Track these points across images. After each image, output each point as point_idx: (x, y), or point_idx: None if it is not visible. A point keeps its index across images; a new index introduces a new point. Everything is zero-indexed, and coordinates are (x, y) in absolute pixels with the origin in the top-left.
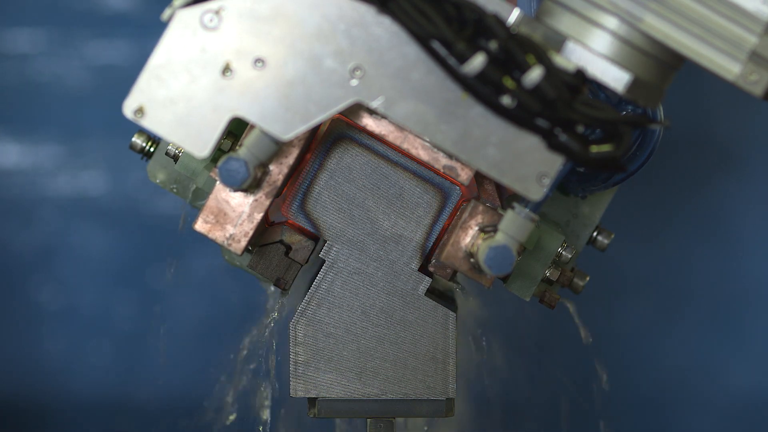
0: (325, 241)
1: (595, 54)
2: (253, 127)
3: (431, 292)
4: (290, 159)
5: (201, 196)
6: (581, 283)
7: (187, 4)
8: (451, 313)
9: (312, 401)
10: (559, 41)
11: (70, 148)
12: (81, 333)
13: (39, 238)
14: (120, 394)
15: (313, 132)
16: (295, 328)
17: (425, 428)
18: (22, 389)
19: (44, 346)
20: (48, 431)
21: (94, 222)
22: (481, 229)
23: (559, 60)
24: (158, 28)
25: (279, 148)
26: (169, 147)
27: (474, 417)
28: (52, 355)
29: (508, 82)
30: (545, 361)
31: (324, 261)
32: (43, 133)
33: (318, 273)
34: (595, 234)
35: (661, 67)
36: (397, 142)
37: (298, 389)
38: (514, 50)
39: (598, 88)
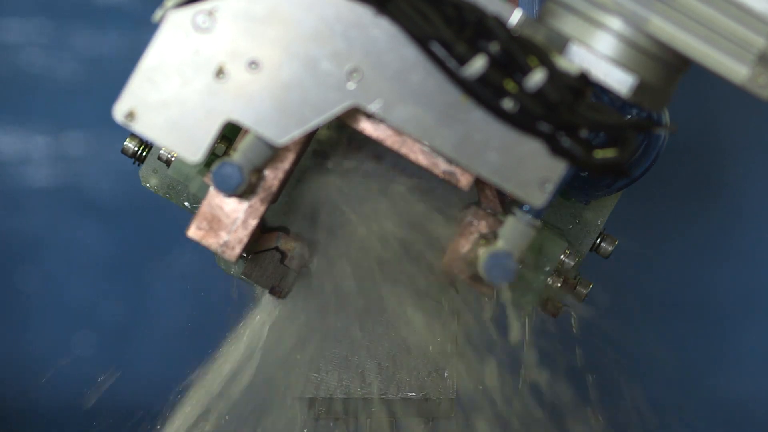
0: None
1: (599, 56)
2: (247, 131)
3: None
4: (286, 164)
5: (196, 201)
6: (584, 291)
7: (179, 5)
8: (451, 312)
9: (312, 401)
10: (561, 43)
11: (60, 140)
12: (67, 325)
13: (27, 229)
14: (105, 385)
15: (310, 136)
16: None
17: None
18: (5, 379)
19: (29, 337)
20: (31, 422)
21: (83, 214)
22: (482, 236)
23: (562, 62)
24: (150, 21)
25: (274, 152)
26: (162, 151)
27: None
28: (37, 346)
29: (510, 85)
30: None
31: None
32: (33, 124)
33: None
34: (598, 240)
35: (667, 70)
36: (396, 147)
37: (299, 389)
38: (516, 52)
39: (601, 91)
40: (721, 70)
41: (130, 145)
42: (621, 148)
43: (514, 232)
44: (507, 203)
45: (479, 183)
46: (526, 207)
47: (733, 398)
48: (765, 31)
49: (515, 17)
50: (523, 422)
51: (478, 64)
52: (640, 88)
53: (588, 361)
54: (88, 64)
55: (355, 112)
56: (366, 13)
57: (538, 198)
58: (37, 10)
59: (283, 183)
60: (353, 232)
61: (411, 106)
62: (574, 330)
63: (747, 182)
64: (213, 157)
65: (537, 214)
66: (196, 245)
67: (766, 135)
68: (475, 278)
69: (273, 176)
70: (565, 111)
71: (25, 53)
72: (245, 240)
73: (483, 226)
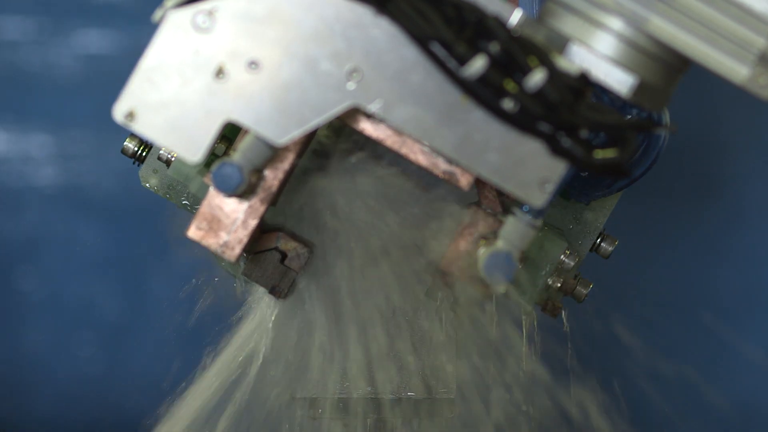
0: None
1: (599, 56)
2: (247, 131)
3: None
4: (286, 164)
5: (196, 201)
6: (584, 291)
7: (179, 5)
8: (451, 313)
9: (312, 401)
10: (561, 43)
11: (58, 138)
12: (65, 324)
13: (25, 228)
14: (103, 385)
15: (309, 136)
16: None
17: None
18: (3, 379)
19: (28, 336)
20: (30, 421)
21: (81, 212)
22: (482, 236)
23: (562, 62)
24: (149, 18)
25: (274, 152)
26: (162, 151)
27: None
28: (36, 345)
29: (510, 86)
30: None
31: None
32: (31, 122)
33: None
34: (598, 240)
35: (667, 70)
36: (396, 147)
37: (299, 389)
38: (516, 52)
39: (601, 90)
40: (721, 70)
41: (130, 145)
42: (621, 148)
43: (514, 232)
44: (507, 203)
45: (479, 183)
46: (525, 207)
47: (733, 399)
48: (765, 31)
49: (515, 17)
50: (523, 422)
51: (478, 64)
52: (640, 88)
53: (587, 362)
54: (88, 64)
55: (355, 112)
56: (366, 13)
57: (538, 198)
58: (36, 8)
59: (283, 183)
60: (353, 232)
61: (411, 106)
62: (571, 330)
63: (747, 182)
64: (213, 157)
65: (537, 214)
66: (195, 245)
67: (766, 135)
68: (475, 278)
69: (273, 176)
70: (565, 111)
71: (23, 51)
72: (245, 240)
73: (483, 226)
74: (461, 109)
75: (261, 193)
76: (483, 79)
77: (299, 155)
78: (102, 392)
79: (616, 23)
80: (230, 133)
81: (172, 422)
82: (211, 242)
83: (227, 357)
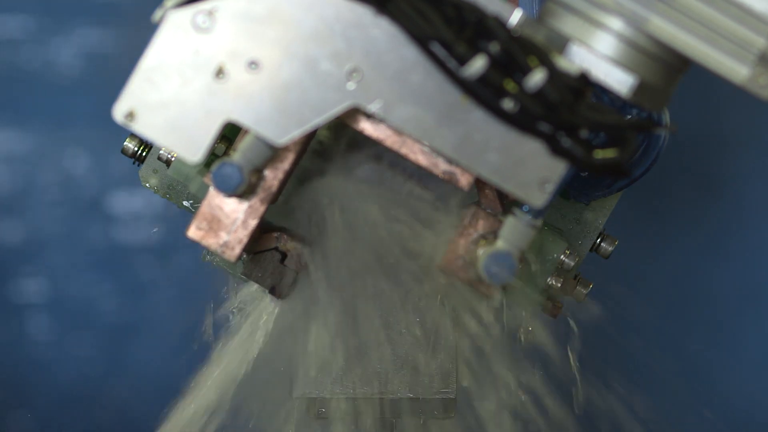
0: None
1: (599, 56)
2: (247, 131)
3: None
4: (286, 164)
5: (196, 201)
6: (584, 291)
7: (179, 5)
8: (451, 312)
9: (312, 401)
10: (561, 43)
11: (58, 137)
12: (65, 324)
13: (25, 228)
14: (103, 385)
15: (309, 136)
16: None
17: None
18: (3, 379)
19: (28, 336)
20: (29, 421)
21: (81, 212)
22: (482, 236)
23: (562, 62)
24: (149, 18)
25: (274, 152)
26: (162, 151)
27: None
28: (36, 345)
29: (510, 86)
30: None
31: None
32: (31, 121)
33: None
34: (598, 240)
35: (667, 70)
36: (396, 147)
37: (299, 389)
38: (516, 52)
39: (601, 90)
40: (721, 70)
41: (130, 145)
42: (621, 148)
43: (514, 232)
44: (507, 203)
45: (479, 183)
46: (525, 207)
47: (733, 399)
48: (765, 31)
49: (515, 17)
50: (523, 423)
51: (478, 64)
52: (641, 88)
53: (587, 362)
54: (88, 63)
55: (355, 112)
56: (366, 13)
57: (538, 198)
58: (37, 7)
59: (283, 183)
60: (352, 232)
61: (411, 107)
62: (571, 330)
63: (747, 182)
64: (213, 157)
65: (537, 214)
66: (195, 245)
67: (766, 135)
68: (475, 279)
69: (273, 176)
70: (565, 111)
71: (24, 50)
72: (245, 240)
73: (483, 226)
74: (461, 109)
75: (261, 193)
76: (483, 79)
77: (299, 155)
78: (102, 392)
79: (616, 23)
80: (230, 133)
81: (173, 423)
82: (211, 242)
83: (227, 357)
